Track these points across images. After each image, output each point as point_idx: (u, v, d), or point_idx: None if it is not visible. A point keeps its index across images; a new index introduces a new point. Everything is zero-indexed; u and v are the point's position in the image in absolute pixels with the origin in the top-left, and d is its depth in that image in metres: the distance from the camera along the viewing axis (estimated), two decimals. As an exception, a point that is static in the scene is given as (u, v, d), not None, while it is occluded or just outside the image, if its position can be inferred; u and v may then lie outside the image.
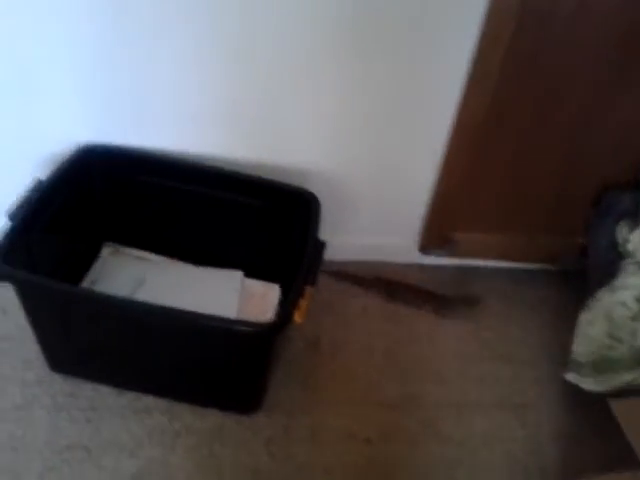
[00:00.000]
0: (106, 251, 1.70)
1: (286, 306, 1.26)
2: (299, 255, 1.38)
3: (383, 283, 1.84)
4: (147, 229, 1.69)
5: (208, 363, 1.35)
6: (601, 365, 1.49)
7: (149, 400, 1.44)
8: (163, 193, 1.59)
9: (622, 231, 1.65)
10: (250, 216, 1.60)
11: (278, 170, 1.61)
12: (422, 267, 1.92)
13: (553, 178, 1.71)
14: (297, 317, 1.27)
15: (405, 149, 1.65)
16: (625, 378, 1.42)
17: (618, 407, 1.12)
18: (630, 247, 1.60)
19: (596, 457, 1.48)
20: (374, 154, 1.66)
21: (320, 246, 1.42)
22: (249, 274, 1.69)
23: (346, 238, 1.83)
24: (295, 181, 1.58)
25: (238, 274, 1.69)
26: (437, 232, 1.81)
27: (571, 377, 1.54)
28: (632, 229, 1.61)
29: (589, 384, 1.49)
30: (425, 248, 1.85)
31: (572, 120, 1.57)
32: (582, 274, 1.79)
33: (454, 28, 1.39)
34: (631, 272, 1.55)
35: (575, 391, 1.54)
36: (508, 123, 1.57)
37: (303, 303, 1.28)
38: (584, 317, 1.60)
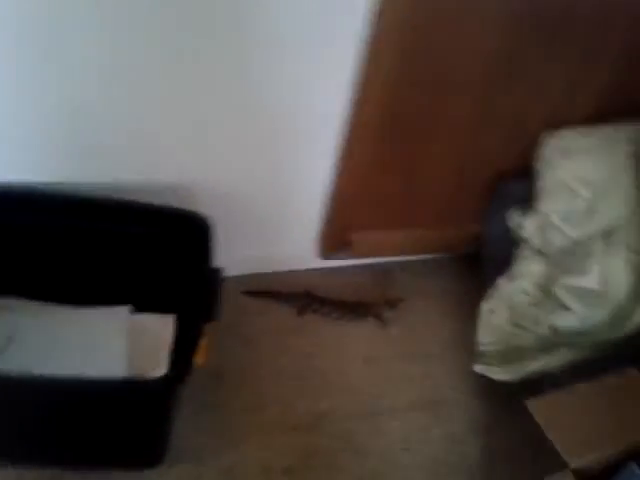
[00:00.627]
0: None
1: (183, 354, 1.14)
2: (194, 284, 1.26)
3: (303, 296, 1.76)
4: (12, 273, 1.48)
5: (97, 425, 1.20)
6: (508, 354, 1.49)
7: (36, 473, 1.27)
8: (25, 229, 1.39)
9: (515, 217, 1.66)
10: (133, 245, 1.43)
11: (160, 191, 1.46)
12: (324, 271, 1.85)
13: (449, 171, 1.68)
14: (197, 359, 1.16)
15: (295, 154, 1.55)
16: (533, 366, 1.44)
17: (535, 406, 1.11)
18: (524, 233, 1.61)
19: (516, 443, 1.50)
20: (263, 161, 1.54)
21: (216, 275, 1.31)
22: (141, 307, 1.53)
23: (244, 251, 1.73)
24: (181, 201, 1.44)
25: (124, 311, 1.52)
26: (335, 235, 1.74)
27: (479, 368, 1.54)
28: (525, 215, 1.62)
29: (498, 374, 1.50)
30: (325, 253, 1.78)
31: (465, 113, 1.55)
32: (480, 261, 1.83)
33: (341, 30, 1.31)
34: (528, 259, 1.57)
35: (488, 381, 1.54)
36: (402, 121, 1.51)
37: (202, 343, 1.17)
38: (486, 306, 1.61)
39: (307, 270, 1.84)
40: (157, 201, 1.41)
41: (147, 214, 1.40)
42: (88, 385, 1.05)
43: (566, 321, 1.36)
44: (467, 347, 1.69)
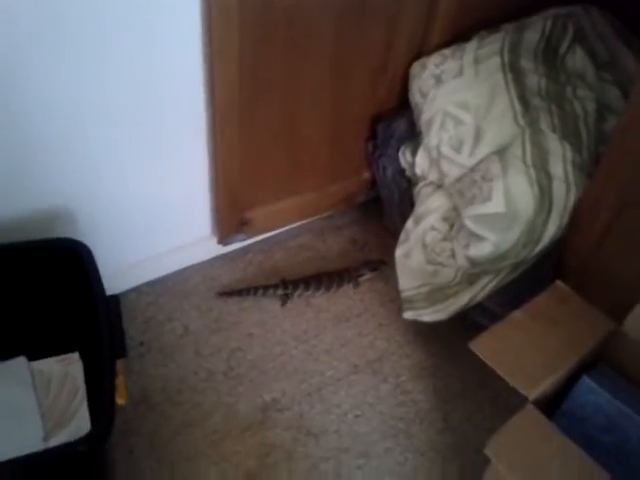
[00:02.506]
0: None
1: (101, 397, 1.01)
2: (89, 317, 1.12)
3: (279, 285, 1.66)
4: None
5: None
6: (433, 294, 1.48)
7: None
8: None
9: (405, 156, 1.63)
10: (11, 289, 1.26)
11: (29, 225, 1.30)
12: (222, 258, 1.74)
13: (322, 126, 1.60)
14: (118, 400, 1.04)
15: (167, 145, 1.41)
16: (460, 300, 1.43)
17: (478, 346, 1.10)
18: (418, 170, 1.59)
19: (462, 381, 1.52)
20: (136, 167, 1.41)
21: (113, 304, 1.17)
22: (38, 355, 1.35)
23: (142, 257, 1.59)
24: (57, 231, 1.29)
25: (21, 362, 1.34)
26: (229, 218, 1.62)
27: (409, 314, 1.51)
28: (415, 150, 1.59)
29: (428, 316, 1.48)
30: (224, 239, 1.66)
31: (329, 58, 1.46)
32: (375, 203, 1.81)
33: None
34: (429, 195, 1.55)
35: (422, 326, 1.53)
36: (263, 84, 1.41)
37: (119, 382, 1.05)
38: (399, 252, 1.58)
39: (214, 259, 1.73)
40: (25, 235, 1.25)
41: (17, 252, 1.23)
42: (8, 465, 0.90)
43: (481, 250, 1.36)
44: (391, 297, 1.68)
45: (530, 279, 1.39)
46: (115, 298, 1.18)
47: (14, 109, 1.15)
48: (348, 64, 1.50)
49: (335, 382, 1.49)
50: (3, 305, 1.28)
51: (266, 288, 1.64)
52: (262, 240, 1.79)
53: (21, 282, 1.28)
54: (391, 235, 1.70)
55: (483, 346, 1.11)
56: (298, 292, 1.65)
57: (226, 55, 1.28)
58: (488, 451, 0.99)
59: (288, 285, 1.65)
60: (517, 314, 1.19)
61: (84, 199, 1.38)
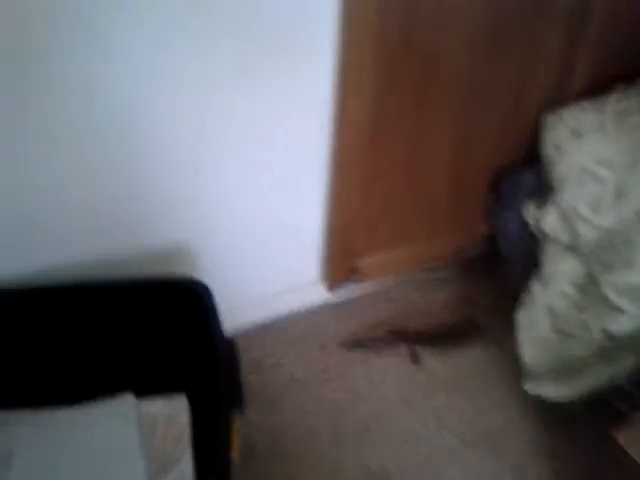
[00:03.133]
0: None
1: (212, 448, 0.97)
2: (205, 361, 1.10)
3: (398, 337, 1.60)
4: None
5: None
6: (560, 367, 1.35)
7: None
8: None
9: (532, 211, 1.52)
10: (127, 326, 1.27)
11: (148, 259, 1.32)
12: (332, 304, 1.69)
13: (444, 174, 1.54)
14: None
15: (286, 189, 1.40)
16: (593, 379, 1.29)
17: (627, 437, 0.97)
18: (546, 227, 1.47)
19: (588, 469, 1.36)
20: (253, 203, 1.39)
21: (232, 349, 1.14)
22: (147, 389, 1.35)
23: (245, 299, 1.57)
24: (174, 265, 1.32)
25: (128, 399, 1.33)
26: (340, 264, 1.58)
27: (530, 387, 1.38)
28: (541, 207, 1.48)
29: (553, 392, 1.35)
30: (333, 285, 1.62)
31: (456, 104, 1.41)
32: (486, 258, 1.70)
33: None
34: (558, 257, 1.42)
35: (544, 403, 1.39)
36: (389, 127, 1.37)
37: (234, 436, 1.01)
38: (522, 316, 1.46)
39: (319, 306, 1.68)
40: (146, 270, 1.28)
41: (137, 290, 1.24)
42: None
43: (620, 323, 1.23)
44: (510, 363, 1.56)
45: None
46: (233, 343, 1.15)
47: (138, 152, 1.17)
48: (476, 110, 1.43)
49: (445, 454, 1.39)
50: (114, 337, 1.28)
51: (389, 342, 1.58)
52: (367, 290, 1.72)
53: (137, 317, 1.27)
54: (505, 294, 1.59)
55: (634, 440, 0.97)
56: (421, 348, 1.57)
57: (359, 94, 1.25)
58: None
59: (411, 340, 1.58)
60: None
61: (199, 237, 1.38)
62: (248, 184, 1.35)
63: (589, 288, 1.36)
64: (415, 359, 1.57)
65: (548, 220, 1.45)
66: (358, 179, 1.40)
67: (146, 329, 1.28)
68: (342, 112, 1.26)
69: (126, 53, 1.02)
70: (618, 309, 1.23)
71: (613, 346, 1.28)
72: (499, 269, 1.67)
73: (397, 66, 1.27)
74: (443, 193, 1.58)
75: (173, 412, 1.35)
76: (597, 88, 1.49)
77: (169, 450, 1.25)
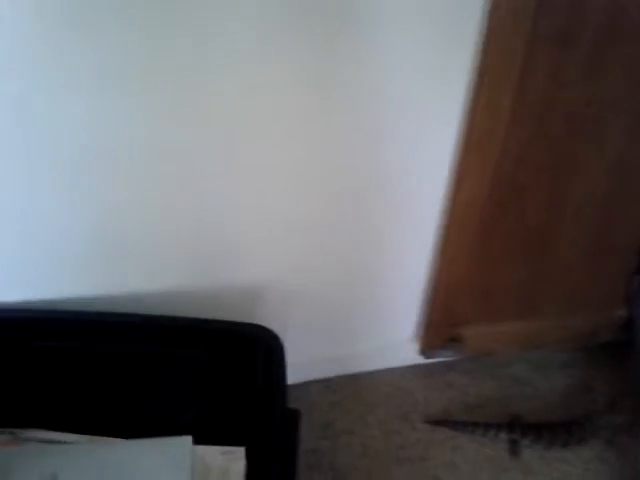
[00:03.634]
0: (-2, 439, 1.22)
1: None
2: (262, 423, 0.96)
3: (507, 426, 1.36)
4: (55, 404, 1.22)
5: None
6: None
7: None
8: (68, 357, 1.14)
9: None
10: (185, 369, 1.17)
11: (221, 300, 1.20)
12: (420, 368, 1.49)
13: (580, 247, 1.30)
14: None
15: (387, 238, 1.23)
16: None
17: None
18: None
19: None
20: (345, 248, 1.23)
21: (292, 419, 0.99)
22: (204, 438, 1.23)
23: (328, 349, 1.42)
24: (243, 310, 1.17)
25: (185, 442, 1.22)
26: (439, 331, 1.38)
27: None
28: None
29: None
30: (427, 351, 1.42)
31: (604, 168, 1.17)
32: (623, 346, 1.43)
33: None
34: None
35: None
36: (518, 189, 1.16)
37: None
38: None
39: (409, 368, 1.49)
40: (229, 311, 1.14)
41: (202, 332, 1.14)
42: None
43: None
44: (627, 476, 1.29)
45: None
46: (296, 414, 1.00)
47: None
48: (632, 181, 1.19)
49: None
50: (181, 379, 1.18)
51: (488, 427, 1.35)
52: (469, 359, 1.50)
53: (196, 361, 1.17)
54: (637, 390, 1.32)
55: None
56: (526, 441, 1.33)
57: (484, 150, 1.06)
58: None
59: (516, 429, 1.34)
60: None
61: (294, 280, 1.25)
62: (346, 237, 1.20)
63: None
64: (514, 451, 1.33)
65: None
66: (470, 240, 1.20)
67: (210, 373, 1.17)
68: (463, 166, 1.09)
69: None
70: None
71: None
72: (634, 361, 1.40)
73: (541, 122, 1.07)
74: (578, 266, 1.34)
75: (229, 465, 1.22)
76: None
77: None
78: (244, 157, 1.00)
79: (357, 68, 0.93)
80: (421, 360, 1.47)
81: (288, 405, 1.05)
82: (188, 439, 1.22)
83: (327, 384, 1.44)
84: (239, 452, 1.21)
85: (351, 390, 1.44)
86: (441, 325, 1.37)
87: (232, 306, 1.22)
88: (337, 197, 1.11)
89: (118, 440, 1.24)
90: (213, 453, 1.21)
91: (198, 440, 1.22)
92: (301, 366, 1.42)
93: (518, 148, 1.08)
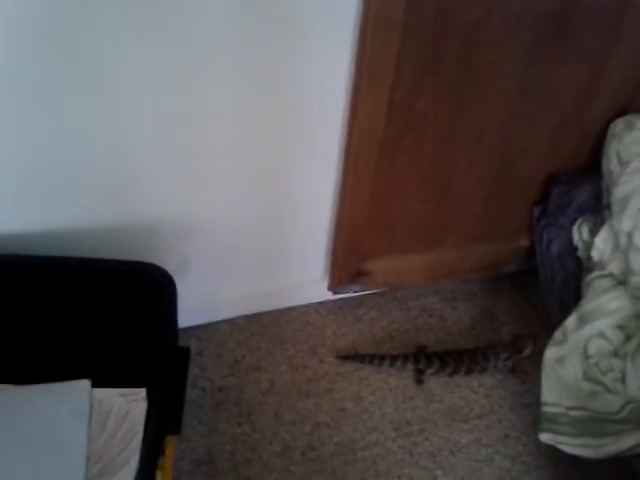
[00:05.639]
0: None
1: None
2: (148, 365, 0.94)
3: (412, 356, 1.38)
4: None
5: None
6: (588, 425, 1.12)
7: None
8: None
9: (582, 232, 1.28)
10: (77, 310, 1.12)
11: (122, 237, 1.16)
12: (329, 304, 1.49)
13: (484, 179, 1.30)
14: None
15: (290, 176, 1.20)
16: (624, 444, 1.06)
17: None
18: (595, 254, 1.23)
19: None
20: (249, 186, 1.19)
21: (182, 359, 0.97)
22: (103, 379, 1.19)
23: (241, 289, 1.40)
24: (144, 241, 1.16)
25: (83, 386, 1.18)
26: (346, 266, 1.37)
27: (547, 438, 1.16)
28: (595, 229, 1.24)
29: (574, 449, 1.12)
30: (335, 287, 1.42)
31: (507, 101, 1.16)
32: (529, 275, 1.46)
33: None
34: (605, 291, 1.19)
35: (558, 450, 1.16)
36: (417, 120, 1.13)
37: (166, 461, 0.84)
38: (550, 354, 1.23)
39: (319, 304, 1.49)
40: (128, 248, 1.13)
41: (93, 272, 1.09)
42: None
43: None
44: (526, 401, 1.35)
45: None
46: (185, 353, 0.98)
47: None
48: (529, 108, 1.19)
49: (434, 499, 1.19)
50: (71, 321, 1.13)
51: (394, 359, 1.37)
52: (379, 294, 1.51)
53: (89, 302, 1.12)
54: (540, 321, 1.37)
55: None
56: (431, 370, 1.36)
57: (377, 78, 1.02)
58: None
59: (421, 358, 1.36)
60: None
61: (202, 211, 1.21)
62: (251, 169, 1.16)
63: (636, 333, 1.13)
64: (419, 380, 1.36)
65: (598, 245, 1.22)
66: (372, 173, 1.18)
67: (102, 314, 1.13)
68: (357, 97, 1.04)
69: None
70: (670, 371, 0.99)
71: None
72: (537, 289, 1.43)
73: (435, 48, 1.03)
74: (481, 198, 1.34)
75: (129, 407, 1.19)
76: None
77: (116, 452, 1.09)
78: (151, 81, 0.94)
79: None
80: (331, 296, 1.47)
81: (178, 343, 1.02)
82: (86, 383, 1.18)
83: (236, 323, 1.43)
84: (140, 393, 1.18)
85: (260, 328, 1.42)
86: (347, 260, 1.36)
87: (132, 244, 1.18)
88: (240, 128, 1.06)
89: (11, 386, 1.19)
90: (112, 395, 1.17)
91: (97, 383, 1.19)
92: (209, 306, 1.40)
93: (412, 74, 1.05)
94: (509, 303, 1.55)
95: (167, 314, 1.00)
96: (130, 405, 1.17)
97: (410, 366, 1.36)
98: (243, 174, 1.16)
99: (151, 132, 1.02)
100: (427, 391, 1.35)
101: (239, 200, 1.21)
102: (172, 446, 0.99)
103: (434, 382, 1.37)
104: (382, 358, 1.37)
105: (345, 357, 1.39)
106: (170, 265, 1.23)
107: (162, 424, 0.91)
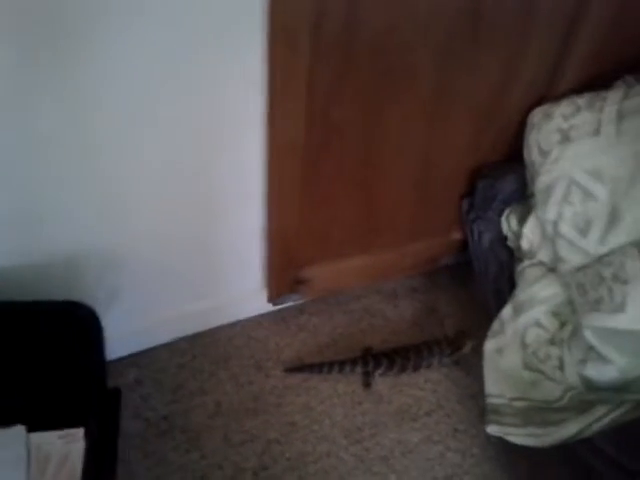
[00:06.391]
0: None
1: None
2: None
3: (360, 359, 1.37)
4: None
5: None
6: (531, 414, 1.14)
7: None
8: None
9: (510, 222, 1.29)
10: (8, 353, 1.06)
11: (42, 276, 1.11)
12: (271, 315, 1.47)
13: (410, 178, 1.30)
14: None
15: (215, 190, 1.16)
16: (568, 431, 1.08)
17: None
18: (525, 244, 1.25)
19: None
20: (175, 207, 1.16)
21: (113, 399, 0.92)
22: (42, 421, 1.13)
23: (172, 311, 1.35)
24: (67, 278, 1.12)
25: (19, 433, 1.12)
26: (284, 276, 1.35)
27: (493, 430, 1.17)
28: (523, 219, 1.25)
29: (520, 438, 1.14)
30: (274, 297, 1.39)
31: (426, 98, 1.15)
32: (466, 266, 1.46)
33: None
34: (537, 279, 1.21)
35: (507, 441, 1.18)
36: (336, 128, 1.12)
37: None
38: (490, 345, 1.25)
39: (260, 317, 1.47)
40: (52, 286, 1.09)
41: (14, 314, 1.03)
42: None
43: (602, 372, 1.02)
44: (473, 392, 1.36)
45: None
46: (116, 394, 0.94)
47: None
48: (447, 106, 1.19)
49: (390, 504, 1.19)
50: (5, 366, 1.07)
51: (342, 364, 1.35)
52: (320, 299, 1.50)
53: (20, 343, 1.06)
54: (481, 310, 1.38)
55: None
56: (380, 370, 1.35)
57: (290, 90, 1.00)
58: None
59: (369, 360, 1.35)
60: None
61: (125, 240, 1.16)
62: (171, 189, 1.11)
63: (569, 320, 1.15)
64: (367, 383, 1.35)
65: (526, 234, 1.24)
66: (298, 183, 1.16)
67: (30, 355, 1.07)
68: (273, 112, 1.02)
69: None
70: (601, 357, 1.02)
71: (591, 398, 1.07)
72: (474, 279, 1.45)
73: (346, 54, 1.02)
74: (409, 197, 1.35)
75: (69, 449, 1.14)
76: (596, 82, 1.24)
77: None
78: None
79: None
80: (272, 307, 1.45)
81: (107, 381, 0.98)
82: (20, 428, 1.12)
83: (176, 346, 1.38)
84: (78, 433, 1.13)
85: (202, 349, 1.39)
86: (284, 270, 1.34)
87: (56, 281, 1.12)
88: (157, 148, 1.02)
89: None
90: (50, 438, 1.12)
91: (33, 428, 1.13)
92: (147, 331, 1.36)
93: (326, 82, 1.03)
94: (450, 296, 1.56)
95: (93, 353, 0.96)
96: (70, 447, 1.12)
97: (359, 369, 1.36)
98: (164, 195, 1.12)
99: (58, 163, 0.97)
100: (375, 394, 1.35)
101: (163, 222, 1.17)
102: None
103: (382, 384, 1.37)
104: (330, 365, 1.35)
105: (292, 369, 1.37)
106: (99, 298, 1.19)
107: (97, 472, 0.86)
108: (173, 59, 0.91)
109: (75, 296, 1.06)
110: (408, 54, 1.05)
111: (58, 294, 1.06)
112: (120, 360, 1.34)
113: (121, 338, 1.32)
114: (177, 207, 1.15)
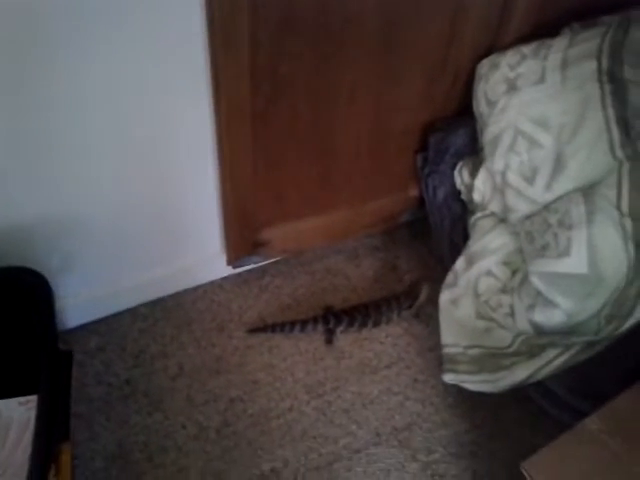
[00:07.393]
0: None
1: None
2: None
3: (321, 318, 1.38)
4: None
5: None
6: (484, 361, 1.17)
7: None
8: None
9: (462, 175, 1.31)
10: None
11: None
12: (232, 278, 1.48)
13: (363, 135, 1.29)
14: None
15: (167, 154, 1.16)
16: (519, 375, 1.11)
17: (532, 470, 0.80)
18: (476, 196, 1.27)
19: (510, 468, 1.20)
20: (129, 173, 1.15)
21: (65, 364, 0.93)
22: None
23: (133, 277, 1.35)
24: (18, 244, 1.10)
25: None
26: (242, 238, 1.36)
27: (450, 378, 1.21)
28: (475, 171, 1.27)
29: (474, 385, 1.18)
30: (234, 260, 1.40)
31: (371, 54, 1.15)
32: (424, 222, 1.48)
33: None
34: (488, 230, 1.23)
35: (465, 389, 1.22)
36: (284, 83, 1.11)
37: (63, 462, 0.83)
38: (444, 297, 1.28)
39: (222, 280, 1.47)
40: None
41: None
42: None
43: (549, 317, 1.04)
44: (431, 344, 1.39)
45: (614, 362, 1.06)
46: (68, 356, 0.95)
47: None
48: (397, 60, 1.18)
49: (351, 454, 1.22)
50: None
51: (304, 323, 1.37)
52: (282, 260, 1.51)
53: None
54: (440, 263, 1.40)
55: (539, 470, 0.81)
56: (341, 327, 1.37)
57: (232, 45, 0.99)
58: None
59: (330, 318, 1.37)
60: (589, 423, 0.87)
61: (79, 206, 1.15)
62: (123, 155, 1.11)
63: (519, 268, 1.18)
64: (329, 340, 1.38)
65: (478, 186, 1.25)
66: (249, 144, 1.15)
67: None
68: (216, 68, 1.01)
69: None
70: (549, 301, 1.04)
71: (540, 342, 1.10)
72: (431, 234, 1.47)
73: (291, 6, 1.00)
74: (364, 154, 1.35)
75: (30, 415, 1.15)
76: (548, 28, 1.24)
77: (20, 461, 1.06)
78: None
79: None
80: (233, 271, 1.46)
81: (60, 346, 0.99)
82: (-19, 396, 1.14)
83: (138, 312, 1.39)
84: (32, 403, 1.15)
85: (164, 313, 1.40)
86: (242, 233, 1.34)
87: (6, 248, 1.11)
88: (105, 112, 1.01)
89: None
90: (11, 405, 1.14)
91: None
92: (107, 298, 1.36)
93: (269, 38, 1.02)
94: (410, 252, 1.58)
95: (42, 317, 0.96)
96: (30, 413, 1.14)
97: (320, 327, 1.38)
98: (117, 161, 1.11)
99: (7, 129, 0.95)
100: (337, 350, 1.37)
101: (118, 188, 1.16)
102: (67, 452, 0.96)
103: (343, 340, 1.39)
104: (292, 324, 1.37)
105: (255, 330, 1.38)
106: (52, 264, 1.19)
107: (49, 433, 0.87)
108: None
109: (28, 262, 1.06)
110: (353, 6, 1.04)
111: (9, 261, 1.06)
112: (81, 327, 1.34)
113: (81, 305, 1.33)
114: (131, 173, 1.14)
